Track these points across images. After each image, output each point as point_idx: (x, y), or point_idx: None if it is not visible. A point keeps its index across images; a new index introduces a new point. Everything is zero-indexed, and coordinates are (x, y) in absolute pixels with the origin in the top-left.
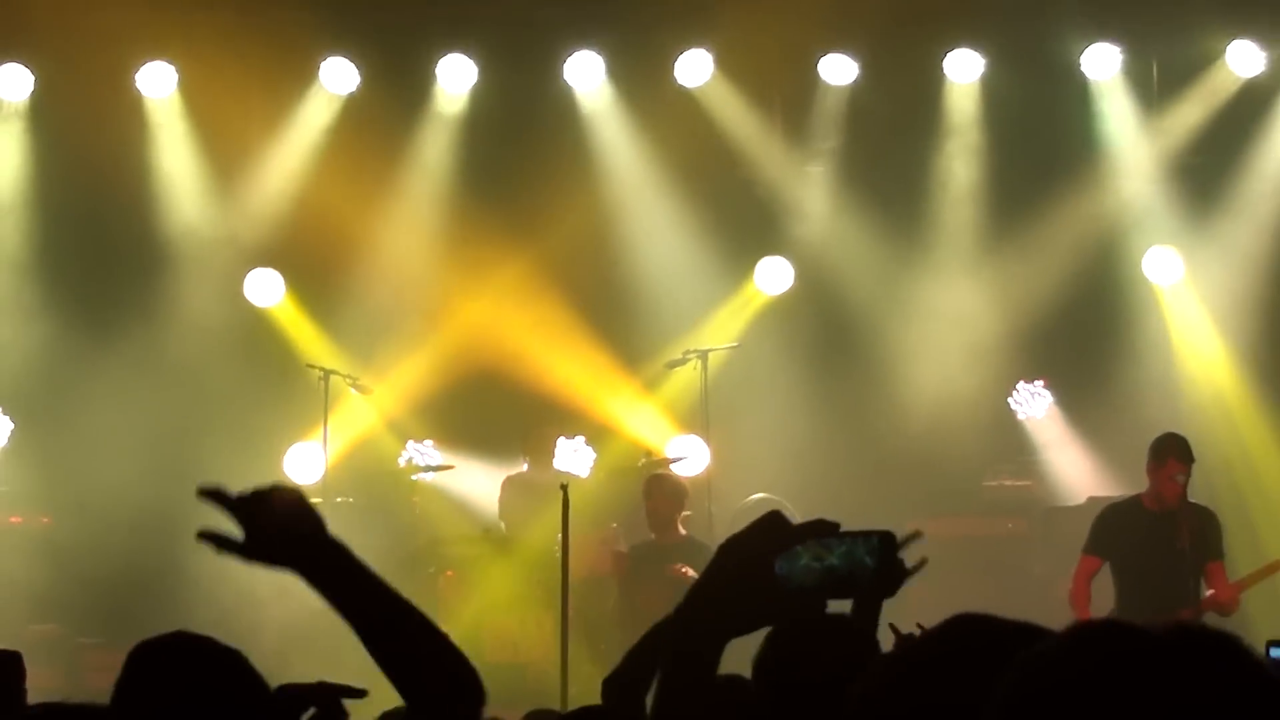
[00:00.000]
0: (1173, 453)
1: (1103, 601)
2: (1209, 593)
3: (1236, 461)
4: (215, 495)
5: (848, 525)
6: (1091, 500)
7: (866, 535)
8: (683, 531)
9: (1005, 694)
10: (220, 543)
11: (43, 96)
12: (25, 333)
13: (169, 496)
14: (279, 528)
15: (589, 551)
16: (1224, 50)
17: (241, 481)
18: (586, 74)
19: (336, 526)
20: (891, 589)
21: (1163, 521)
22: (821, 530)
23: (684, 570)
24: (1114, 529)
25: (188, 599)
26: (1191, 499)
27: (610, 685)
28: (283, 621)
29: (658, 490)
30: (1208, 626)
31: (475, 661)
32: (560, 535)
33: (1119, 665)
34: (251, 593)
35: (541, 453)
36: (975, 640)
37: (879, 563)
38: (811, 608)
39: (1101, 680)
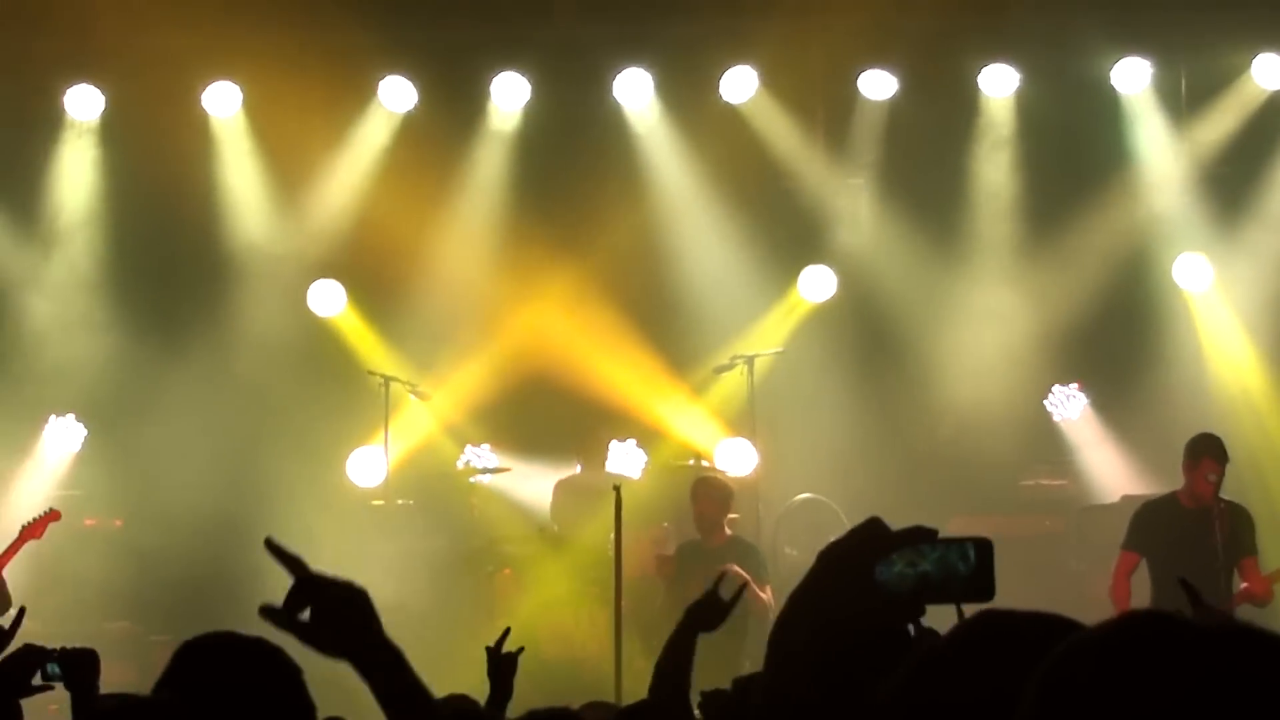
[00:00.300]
0: (1208, 452)
1: (1143, 598)
2: (1243, 586)
3: (1265, 460)
4: (292, 568)
5: (892, 523)
6: (1126, 499)
7: (961, 542)
8: (729, 533)
9: (1045, 678)
10: (282, 622)
11: (112, 116)
12: (97, 343)
13: (236, 499)
14: (338, 624)
15: (641, 550)
16: (1250, 63)
17: (306, 485)
18: (635, 91)
19: (398, 529)
20: (986, 594)
21: (1198, 518)
22: (918, 537)
23: (735, 569)
24: (1151, 525)
25: (253, 598)
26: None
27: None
28: None
29: (704, 493)
30: (1246, 621)
31: (532, 657)
32: (613, 534)
33: (1163, 654)
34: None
35: (595, 455)
36: (998, 634)
37: (973, 569)
38: (907, 614)
39: (1144, 668)
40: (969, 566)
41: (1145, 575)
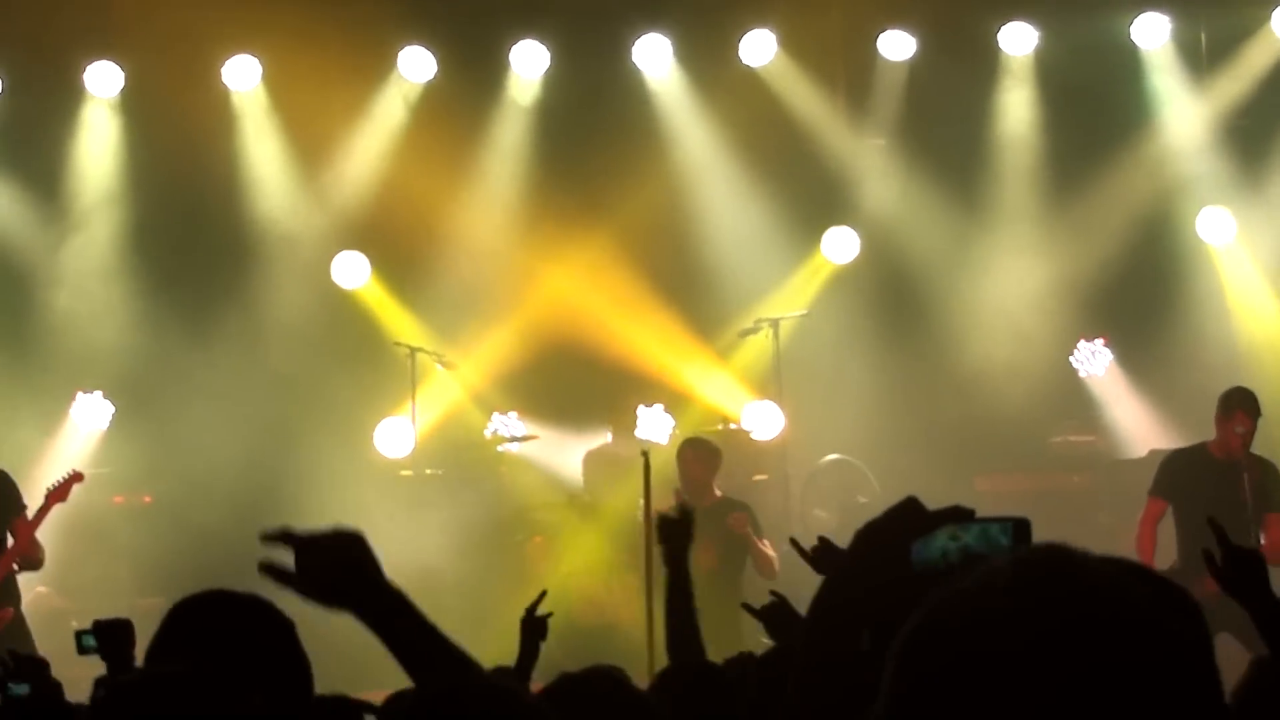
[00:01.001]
0: (1241, 405)
1: (1168, 546)
2: (1263, 542)
3: None
4: (280, 538)
5: (921, 484)
6: (1153, 453)
7: (999, 521)
8: (718, 493)
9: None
10: (279, 576)
11: (132, 92)
12: (122, 320)
13: (264, 473)
14: (332, 573)
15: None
16: (1270, 16)
17: (334, 457)
18: (655, 56)
19: (427, 499)
20: None
21: (1227, 470)
22: (956, 516)
23: (740, 522)
24: (1179, 473)
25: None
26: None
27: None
28: None
29: (691, 454)
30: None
31: (564, 623)
32: (642, 500)
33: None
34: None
35: (625, 424)
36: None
37: (1014, 544)
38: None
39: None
40: (1007, 546)
41: (1171, 524)
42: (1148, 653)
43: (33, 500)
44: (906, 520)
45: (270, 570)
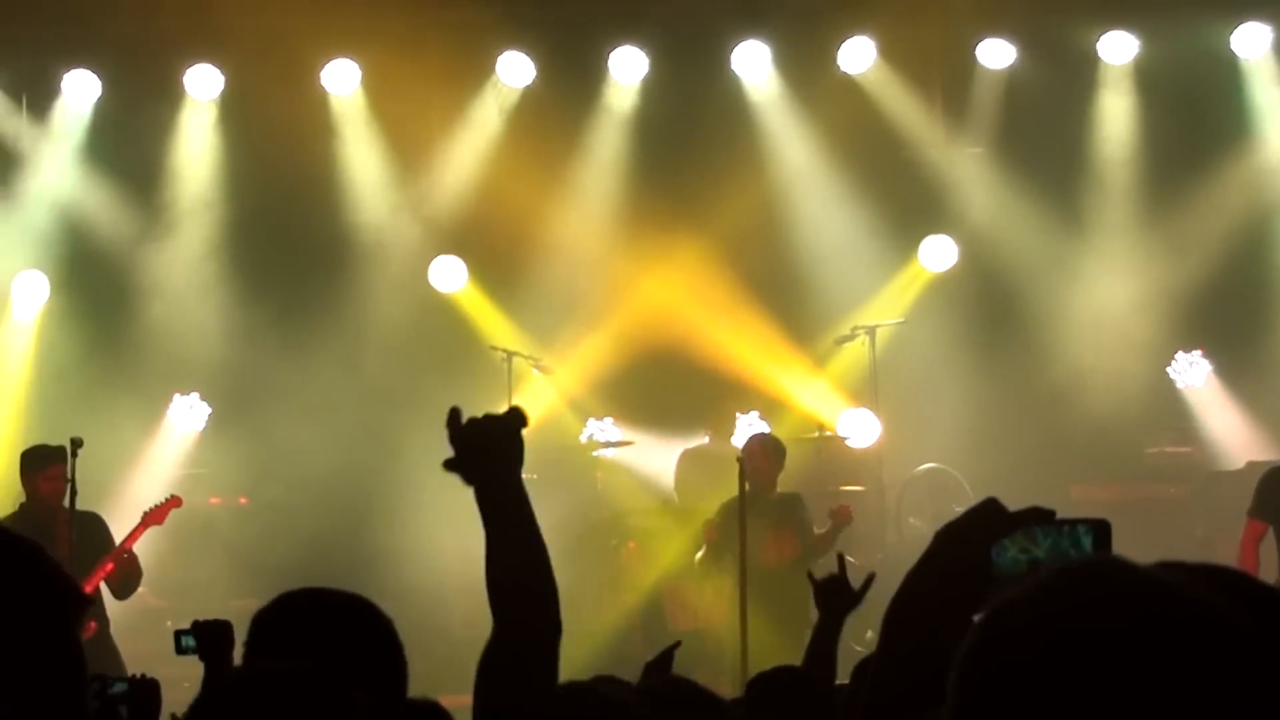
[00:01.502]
0: None
1: (1272, 566)
2: None
3: None
4: (453, 418)
5: (1016, 493)
6: (1250, 465)
7: (1079, 523)
8: (779, 489)
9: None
10: (446, 463)
11: (231, 95)
12: (218, 323)
13: (359, 477)
14: (480, 451)
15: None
16: None
17: (429, 461)
18: (753, 63)
19: None
20: None
21: None
22: (1036, 518)
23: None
24: (1277, 491)
25: (378, 573)
26: None
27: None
28: (469, 589)
29: (759, 449)
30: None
31: (658, 628)
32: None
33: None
34: (440, 565)
35: (724, 427)
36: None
37: (1095, 546)
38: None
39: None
40: (1087, 547)
41: (1273, 543)
42: (1194, 664)
43: (129, 504)
44: (987, 521)
45: (452, 420)
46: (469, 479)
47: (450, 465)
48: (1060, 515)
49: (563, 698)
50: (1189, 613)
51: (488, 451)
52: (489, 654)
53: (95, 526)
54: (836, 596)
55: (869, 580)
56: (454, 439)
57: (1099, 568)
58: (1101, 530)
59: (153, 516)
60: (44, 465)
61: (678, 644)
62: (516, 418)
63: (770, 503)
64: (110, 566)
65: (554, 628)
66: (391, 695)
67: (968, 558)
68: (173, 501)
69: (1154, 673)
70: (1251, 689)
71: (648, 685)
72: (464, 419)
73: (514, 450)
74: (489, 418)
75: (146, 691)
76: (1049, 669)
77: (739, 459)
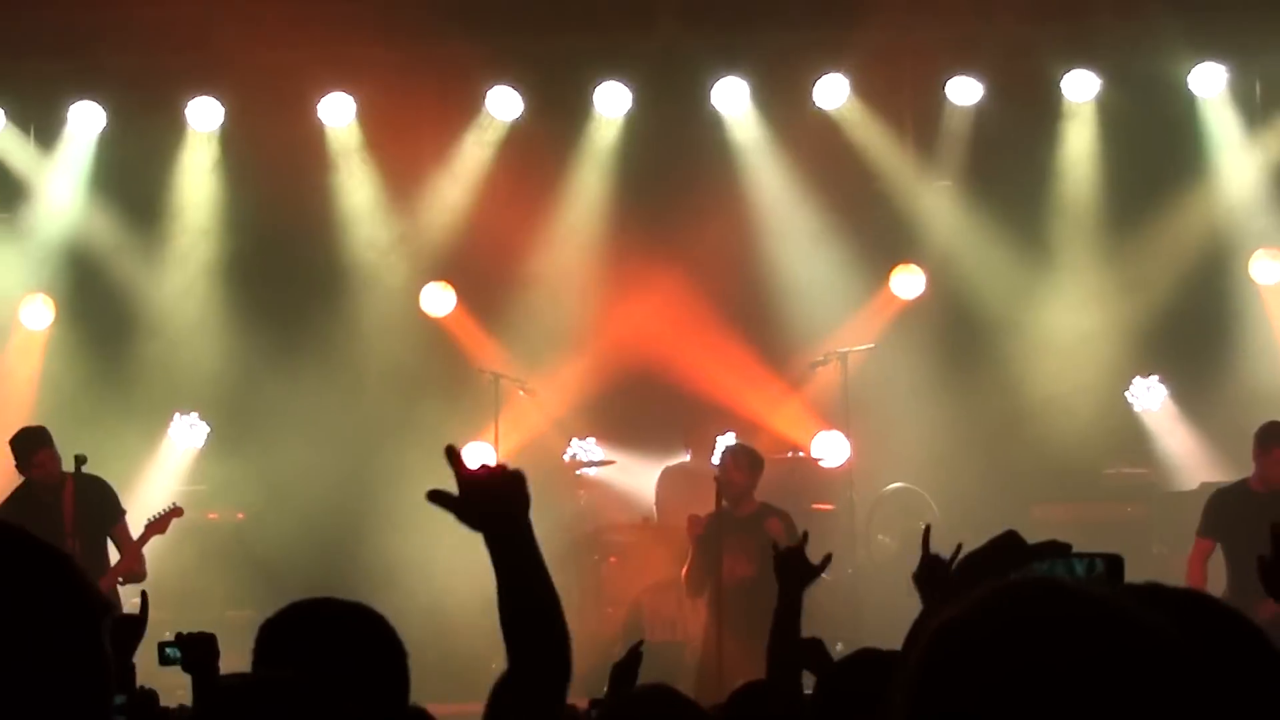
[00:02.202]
0: (1277, 439)
1: (1219, 582)
2: None
3: None
4: (452, 457)
5: (980, 512)
6: (1204, 485)
7: (1092, 558)
8: (757, 500)
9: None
10: (442, 500)
11: (231, 127)
12: (219, 344)
13: (352, 493)
14: (490, 504)
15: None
16: None
17: (420, 478)
18: (732, 99)
19: None
20: None
21: (1270, 502)
22: (1053, 551)
23: (776, 529)
24: (1223, 511)
25: (371, 585)
26: None
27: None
28: (460, 602)
29: (732, 461)
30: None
31: (637, 639)
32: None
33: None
34: (432, 577)
35: (703, 445)
36: None
37: (1109, 580)
38: None
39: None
40: (1099, 581)
41: (1221, 561)
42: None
43: (133, 523)
44: (1007, 552)
45: (437, 496)
46: (477, 528)
47: (460, 514)
48: (1066, 543)
49: None
50: (1116, 621)
51: (499, 502)
52: (500, 690)
53: (100, 491)
54: (793, 566)
55: (826, 558)
56: (462, 486)
57: (1036, 584)
58: (1114, 564)
59: (156, 526)
60: (28, 453)
61: (640, 642)
62: (518, 475)
63: (741, 519)
64: (118, 575)
65: (564, 671)
66: (395, 700)
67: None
68: (174, 511)
69: (1083, 673)
70: (1173, 691)
71: (628, 694)
72: (464, 461)
73: (523, 500)
74: (497, 472)
75: (145, 703)
76: (994, 676)
77: (716, 478)
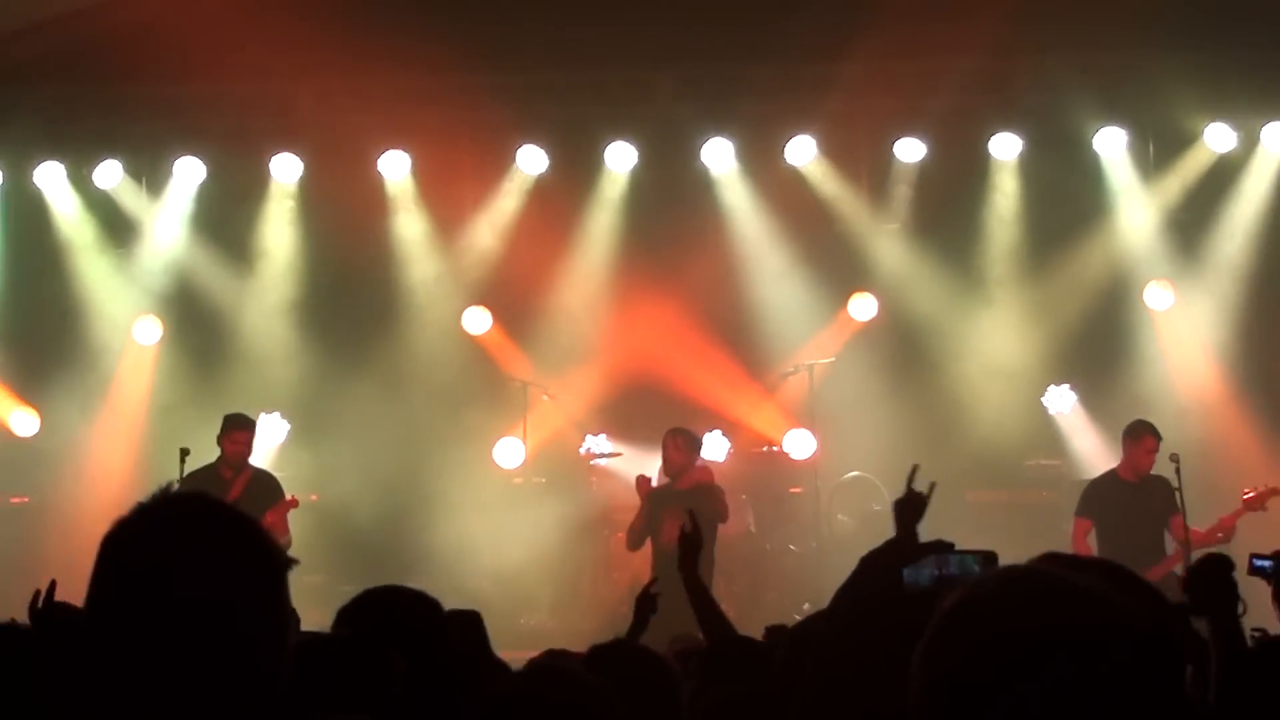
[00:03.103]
0: (1150, 432)
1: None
2: (1219, 521)
3: (1210, 443)
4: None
5: (924, 494)
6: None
7: (973, 553)
8: (696, 478)
9: (947, 610)
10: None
11: (308, 179)
12: (299, 357)
13: (406, 479)
14: None
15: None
16: (1203, 131)
17: (463, 467)
18: (719, 156)
19: (534, 502)
20: None
21: (1136, 489)
22: (940, 548)
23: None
24: (1097, 496)
25: (421, 552)
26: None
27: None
28: (493, 567)
29: (671, 442)
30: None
31: (631, 602)
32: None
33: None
34: (471, 546)
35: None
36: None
37: (983, 570)
38: (924, 608)
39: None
40: (981, 569)
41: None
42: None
43: None
44: (899, 549)
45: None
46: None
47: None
48: (950, 541)
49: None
50: (1097, 604)
51: None
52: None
53: (268, 482)
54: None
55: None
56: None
57: (1031, 574)
58: (989, 559)
59: (281, 507)
60: (228, 430)
61: (655, 580)
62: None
63: (680, 493)
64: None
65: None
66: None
67: (884, 577)
68: (290, 503)
69: (1074, 644)
70: (1136, 654)
71: (596, 652)
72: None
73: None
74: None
75: None
76: (1006, 648)
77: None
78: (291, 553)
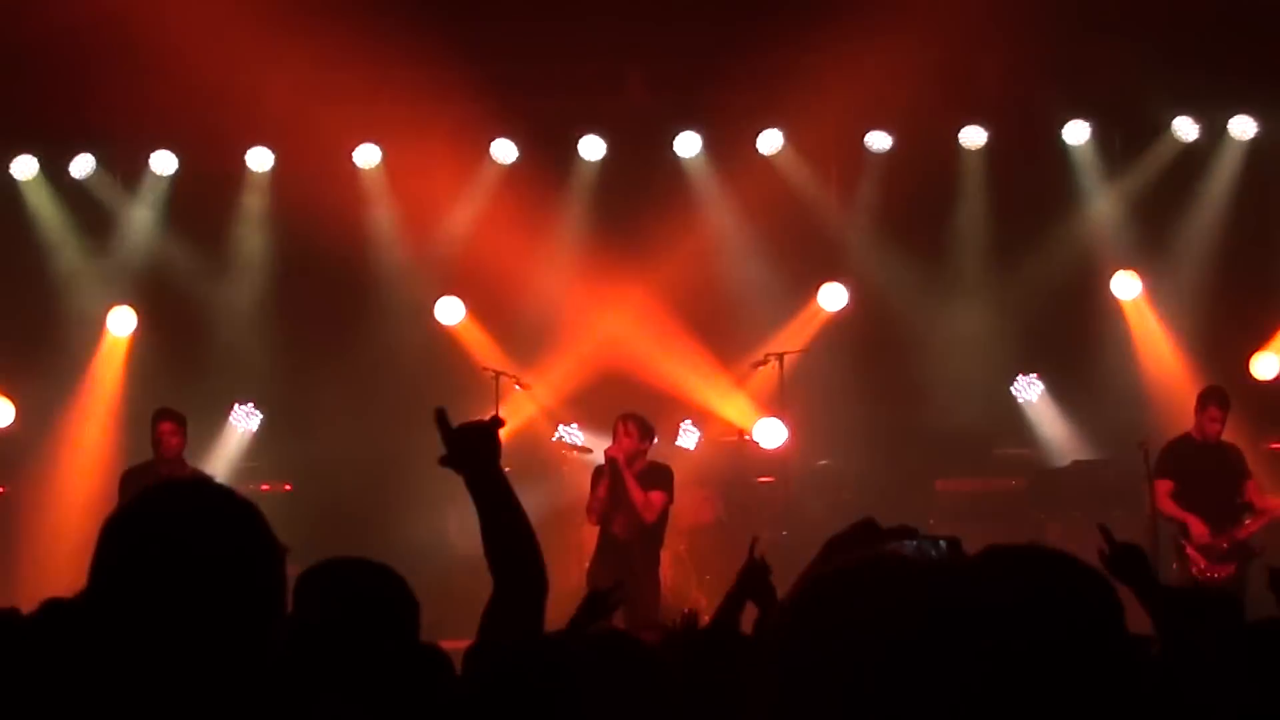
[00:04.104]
0: (1214, 401)
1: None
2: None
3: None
4: (441, 418)
5: (893, 485)
6: (1075, 463)
7: (936, 538)
8: (648, 460)
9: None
10: (440, 429)
11: (280, 170)
12: (271, 347)
13: (378, 468)
14: (466, 450)
15: (696, 505)
16: (1169, 124)
17: (433, 456)
18: (689, 147)
19: None
20: None
21: (1212, 449)
22: (903, 534)
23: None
24: (1174, 456)
25: (394, 541)
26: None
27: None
28: (466, 557)
29: (622, 429)
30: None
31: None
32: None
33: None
34: (442, 533)
35: (669, 431)
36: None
37: (945, 557)
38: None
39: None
40: (941, 555)
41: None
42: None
43: None
44: (861, 534)
45: (440, 420)
46: (459, 470)
47: (444, 461)
48: (914, 527)
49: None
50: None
51: (473, 448)
52: (490, 607)
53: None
54: (755, 581)
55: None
56: (445, 438)
57: (1023, 550)
58: (953, 544)
59: None
60: (154, 422)
61: (621, 583)
62: (494, 421)
63: (635, 476)
64: None
65: (541, 589)
66: (406, 640)
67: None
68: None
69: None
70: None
71: (591, 637)
72: (450, 421)
73: (493, 446)
74: (472, 423)
75: None
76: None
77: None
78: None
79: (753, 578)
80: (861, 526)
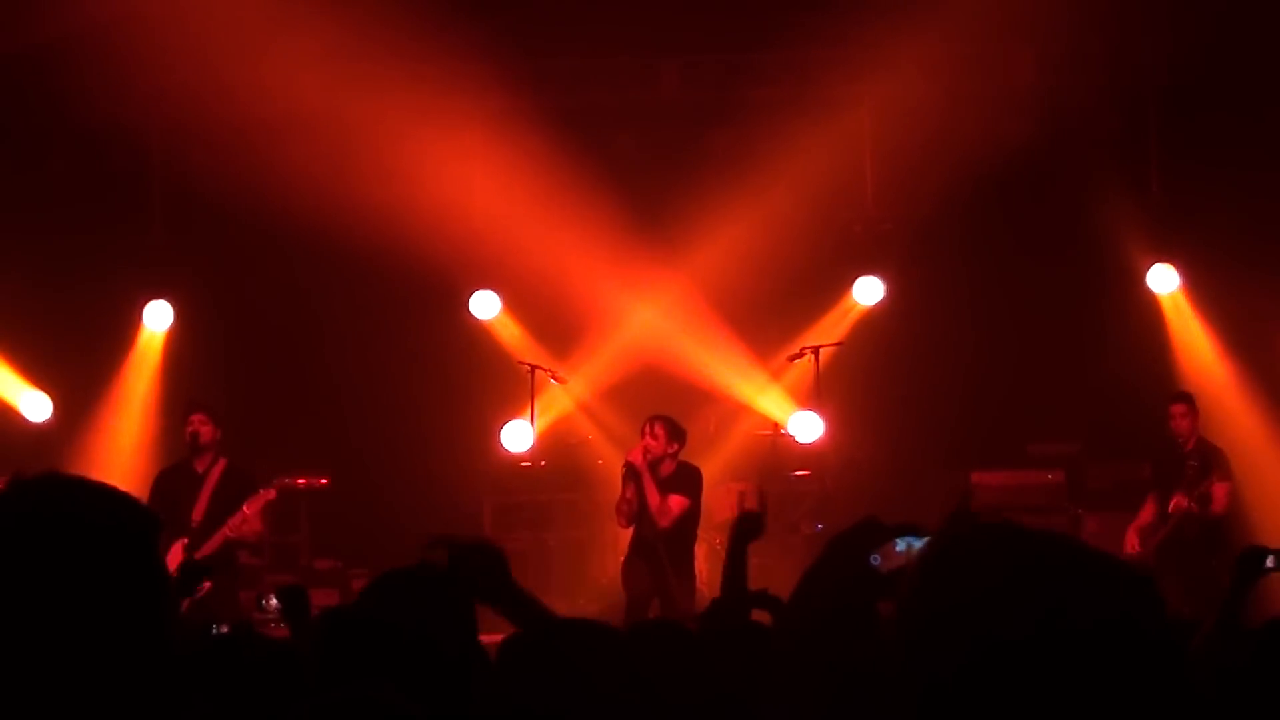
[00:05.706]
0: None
1: None
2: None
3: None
4: (441, 543)
5: (929, 477)
6: (1112, 459)
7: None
8: (677, 462)
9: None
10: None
11: (316, 165)
12: (321, 344)
13: (418, 463)
14: (478, 579)
15: (730, 499)
16: None
17: (471, 451)
18: (729, 145)
19: (541, 483)
20: None
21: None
22: (908, 531)
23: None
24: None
25: (430, 534)
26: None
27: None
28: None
29: (649, 430)
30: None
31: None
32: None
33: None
34: (478, 526)
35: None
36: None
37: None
38: (886, 590)
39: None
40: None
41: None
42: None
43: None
44: (865, 532)
45: (436, 552)
46: (484, 603)
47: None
48: (959, 500)
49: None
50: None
51: (481, 571)
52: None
53: (241, 474)
54: (747, 525)
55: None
56: (453, 562)
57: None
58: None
59: (256, 500)
60: (184, 415)
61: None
62: (489, 552)
63: (664, 479)
64: (221, 537)
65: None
66: (464, 644)
67: (850, 558)
68: (265, 494)
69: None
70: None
71: (636, 625)
72: (448, 545)
73: (502, 571)
74: (470, 547)
75: (244, 632)
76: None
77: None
78: (302, 538)
79: (745, 524)
80: (864, 525)
